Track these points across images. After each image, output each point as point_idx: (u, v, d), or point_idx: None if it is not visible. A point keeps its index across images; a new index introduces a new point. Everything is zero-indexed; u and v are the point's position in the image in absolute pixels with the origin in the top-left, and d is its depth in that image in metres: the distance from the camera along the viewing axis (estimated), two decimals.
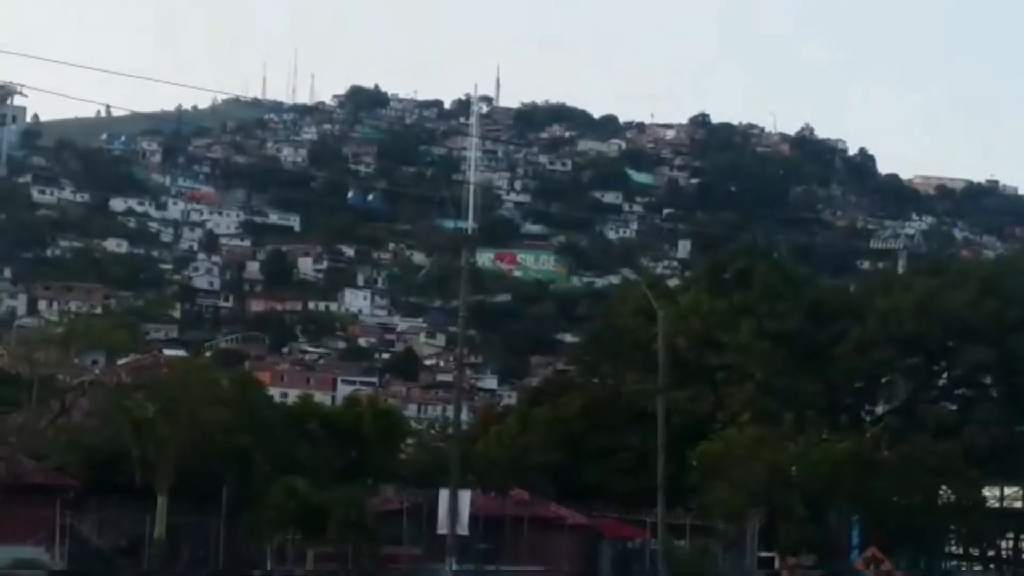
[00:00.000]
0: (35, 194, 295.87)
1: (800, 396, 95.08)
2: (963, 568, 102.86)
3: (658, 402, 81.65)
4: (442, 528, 73.41)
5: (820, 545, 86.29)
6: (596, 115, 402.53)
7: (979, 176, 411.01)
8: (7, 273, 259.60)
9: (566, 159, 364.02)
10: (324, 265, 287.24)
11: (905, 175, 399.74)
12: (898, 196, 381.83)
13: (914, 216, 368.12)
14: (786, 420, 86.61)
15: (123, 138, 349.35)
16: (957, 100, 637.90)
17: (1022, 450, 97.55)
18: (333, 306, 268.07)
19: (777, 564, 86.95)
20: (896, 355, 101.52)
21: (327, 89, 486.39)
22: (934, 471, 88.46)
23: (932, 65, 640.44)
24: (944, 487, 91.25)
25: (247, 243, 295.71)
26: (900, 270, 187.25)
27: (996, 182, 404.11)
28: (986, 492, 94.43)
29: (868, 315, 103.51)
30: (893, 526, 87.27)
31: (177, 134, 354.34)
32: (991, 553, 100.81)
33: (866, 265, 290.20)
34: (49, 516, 69.95)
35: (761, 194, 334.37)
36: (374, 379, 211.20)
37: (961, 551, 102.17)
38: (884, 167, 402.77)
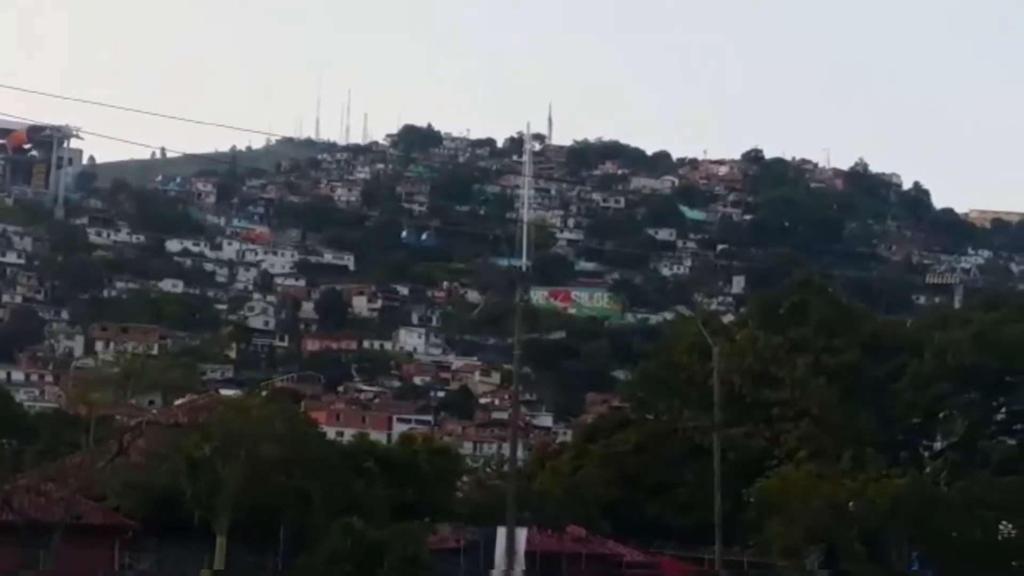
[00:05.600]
0: (91, 235, 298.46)
1: (857, 432, 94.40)
2: None
3: (714, 438, 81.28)
4: (499, 566, 73.20)
5: None
6: (649, 152, 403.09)
7: None
8: (64, 314, 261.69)
9: (619, 196, 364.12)
10: (378, 304, 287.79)
11: (960, 209, 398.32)
12: (954, 230, 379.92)
13: (970, 250, 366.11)
14: (844, 456, 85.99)
15: (178, 179, 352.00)
16: (1012, 132, 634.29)
17: None
18: (388, 345, 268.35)
19: None
20: (954, 390, 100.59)
21: (380, 129, 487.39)
22: (995, 507, 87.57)
23: (988, 99, 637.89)
24: (1005, 523, 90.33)
25: (302, 283, 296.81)
26: (957, 304, 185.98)
27: None
28: None
29: (925, 350, 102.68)
30: (954, 562, 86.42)
31: (231, 175, 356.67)
32: None
33: (922, 300, 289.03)
34: (108, 556, 70.25)
35: (815, 229, 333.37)
36: (429, 417, 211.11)
37: None
38: (939, 201, 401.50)
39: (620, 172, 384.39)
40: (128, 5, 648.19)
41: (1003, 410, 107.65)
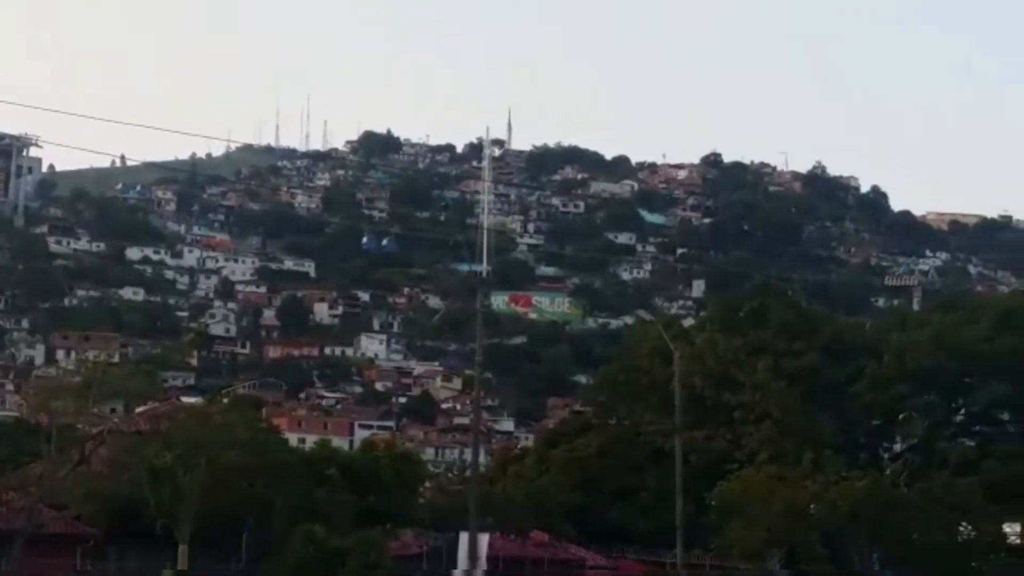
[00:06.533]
0: (52, 244, 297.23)
1: (817, 434, 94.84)
2: None
3: (676, 442, 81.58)
4: (461, 571, 73.36)
5: None
6: (608, 156, 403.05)
7: (992, 211, 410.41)
8: (25, 323, 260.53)
9: (579, 201, 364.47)
10: (340, 310, 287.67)
11: (918, 211, 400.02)
12: (911, 232, 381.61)
13: (928, 252, 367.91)
14: (804, 459, 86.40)
15: (138, 187, 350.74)
16: (970, 135, 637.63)
17: None
18: (349, 351, 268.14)
19: None
20: (913, 392, 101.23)
21: (340, 135, 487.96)
22: (954, 508, 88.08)
23: (944, 101, 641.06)
24: (964, 524, 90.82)
25: (263, 289, 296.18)
26: (915, 306, 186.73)
27: (1010, 217, 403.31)
28: (1007, 528, 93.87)
29: (884, 352, 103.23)
30: (914, 563, 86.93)
31: (191, 182, 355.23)
32: None
33: (881, 302, 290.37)
34: (69, 565, 70.15)
35: (774, 233, 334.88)
36: (391, 423, 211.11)
37: None
38: (897, 203, 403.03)
39: (580, 177, 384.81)
40: (87, 12, 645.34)
41: (962, 412, 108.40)
